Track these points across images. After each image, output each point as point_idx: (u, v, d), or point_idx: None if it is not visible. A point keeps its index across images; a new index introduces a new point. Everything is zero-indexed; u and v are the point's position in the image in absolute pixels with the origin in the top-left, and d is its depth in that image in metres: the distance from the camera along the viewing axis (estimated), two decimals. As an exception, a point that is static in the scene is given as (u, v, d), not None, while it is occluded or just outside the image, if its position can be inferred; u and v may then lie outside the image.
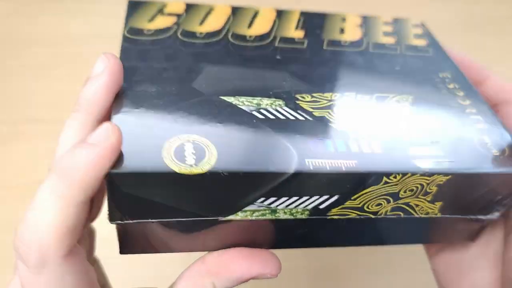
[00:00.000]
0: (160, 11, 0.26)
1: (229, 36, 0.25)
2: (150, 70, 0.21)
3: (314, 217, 0.20)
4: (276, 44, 0.25)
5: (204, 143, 0.18)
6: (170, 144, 0.17)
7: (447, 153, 0.20)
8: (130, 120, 0.18)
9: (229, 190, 0.18)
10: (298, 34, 0.26)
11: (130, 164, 0.16)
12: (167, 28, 0.24)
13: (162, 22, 0.25)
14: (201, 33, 0.24)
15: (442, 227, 0.23)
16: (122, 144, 0.17)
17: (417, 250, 0.44)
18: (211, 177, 0.17)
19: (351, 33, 0.27)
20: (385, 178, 0.19)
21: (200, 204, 0.18)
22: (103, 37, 0.47)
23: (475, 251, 0.24)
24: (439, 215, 0.21)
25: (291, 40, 0.25)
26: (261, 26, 0.26)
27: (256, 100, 0.20)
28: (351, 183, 0.18)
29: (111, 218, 0.18)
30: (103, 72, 0.19)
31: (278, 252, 0.42)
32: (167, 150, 0.17)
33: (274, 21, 0.27)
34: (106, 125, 0.17)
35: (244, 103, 0.20)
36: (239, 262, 0.19)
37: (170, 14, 0.26)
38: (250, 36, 0.25)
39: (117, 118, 0.18)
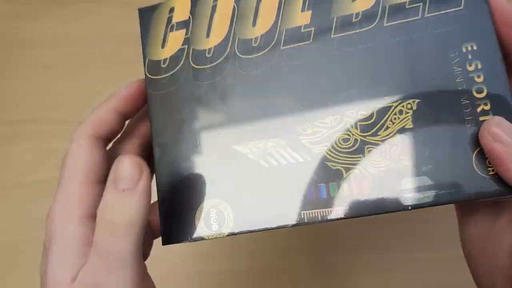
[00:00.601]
0: (169, 23, 0.26)
1: (235, 47, 0.25)
2: (175, 128, 0.25)
3: None
4: (281, 46, 0.24)
5: (223, 207, 0.23)
6: (200, 213, 0.23)
7: (437, 181, 0.21)
8: (169, 194, 0.24)
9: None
10: (305, 18, 0.24)
11: (179, 235, 0.23)
12: (180, 51, 0.25)
13: (173, 43, 0.25)
14: (209, 50, 0.25)
15: None
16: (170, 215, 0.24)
17: (416, 250, 0.44)
18: (229, 235, 0.23)
19: None
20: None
21: None
22: (104, 38, 0.47)
23: (507, 219, 0.23)
24: None
25: (297, 32, 0.24)
26: (265, 18, 0.25)
27: (262, 143, 0.23)
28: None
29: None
30: (114, 96, 0.25)
31: (278, 248, 0.42)
32: (198, 219, 0.23)
33: (279, 4, 0.25)
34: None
35: (252, 150, 0.23)
36: None
37: (178, 26, 0.25)
38: (255, 40, 0.25)
39: (163, 192, 0.24)
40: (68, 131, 0.45)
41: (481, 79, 0.22)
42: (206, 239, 0.23)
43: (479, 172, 0.21)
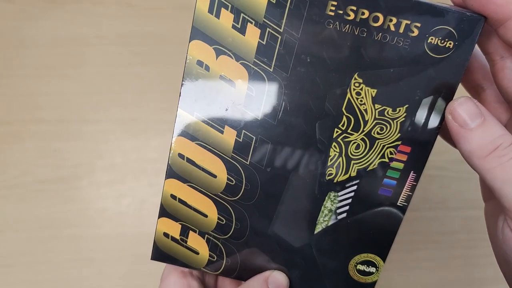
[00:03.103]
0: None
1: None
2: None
3: None
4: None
5: (365, 257, 0.26)
6: (354, 274, 0.27)
7: (431, 90, 0.23)
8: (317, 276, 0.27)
9: None
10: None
11: None
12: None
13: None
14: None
15: None
16: None
17: (416, 250, 0.44)
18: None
19: None
20: None
21: None
22: (104, 38, 0.47)
23: None
24: None
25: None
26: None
27: (328, 205, 0.26)
28: None
29: None
30: None
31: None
32: (356, 277, 0.27)
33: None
34: None
35: (324, 221, 0.26)
36: None
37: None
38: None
39: None
40: (68, 131, 0.45)
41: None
42: (378, 278, 0.27)
43: (435, 55, 0.22)
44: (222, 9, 0.23)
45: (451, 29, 0.22)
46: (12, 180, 0.42)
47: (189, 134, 0.25)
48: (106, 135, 0.44)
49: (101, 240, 0.42)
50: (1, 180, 0.42)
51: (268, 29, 0.23)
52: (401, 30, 0.22)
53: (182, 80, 0.24)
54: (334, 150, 0.24)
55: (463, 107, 0.21)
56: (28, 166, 0.43)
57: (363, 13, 0.22)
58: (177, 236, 0.26)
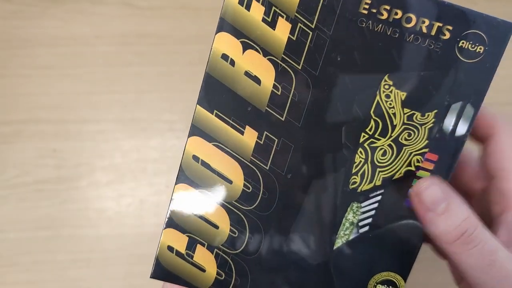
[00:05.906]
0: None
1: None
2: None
3: None
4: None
5: (391, 276, 0.25)
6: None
7: (460, 96, 0.22)
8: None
9: None
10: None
11: None
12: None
13: None
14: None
15: None
16: None
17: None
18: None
19: None
20: None
21: None
22: (104, 37, 0.47)
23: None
24: None
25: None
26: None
27: (349, 216, 0.24)
28: None
29: None
30: None
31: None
32: None
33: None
34: None
35: (343, 239, 0.24)
36: None
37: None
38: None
39: None
40: (68, 131, 0.45)
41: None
42: None
43: (465, 60, 0.22)
44: (254, 1, 0.22)
45: (482, 34, 0.21)
46: (12, 180, 0.42)
47: (206, 133, 0.23)
48: (106, 135, 0.44)
49: (100, 240, 0.42)
50: (1, 180, 0.42)
51: (299, 24, 0.22)
52: (433, 33, 0.21)
53: (204, 74, 0.22)
54: (360, 157, 0.23)
55: (427, 192, 0.21)
56: (27, 166, 0.43)
57: (396, 13, 0.21)
58: (183, 251, 0.24)
